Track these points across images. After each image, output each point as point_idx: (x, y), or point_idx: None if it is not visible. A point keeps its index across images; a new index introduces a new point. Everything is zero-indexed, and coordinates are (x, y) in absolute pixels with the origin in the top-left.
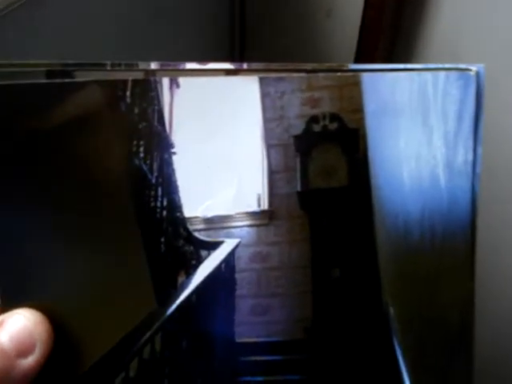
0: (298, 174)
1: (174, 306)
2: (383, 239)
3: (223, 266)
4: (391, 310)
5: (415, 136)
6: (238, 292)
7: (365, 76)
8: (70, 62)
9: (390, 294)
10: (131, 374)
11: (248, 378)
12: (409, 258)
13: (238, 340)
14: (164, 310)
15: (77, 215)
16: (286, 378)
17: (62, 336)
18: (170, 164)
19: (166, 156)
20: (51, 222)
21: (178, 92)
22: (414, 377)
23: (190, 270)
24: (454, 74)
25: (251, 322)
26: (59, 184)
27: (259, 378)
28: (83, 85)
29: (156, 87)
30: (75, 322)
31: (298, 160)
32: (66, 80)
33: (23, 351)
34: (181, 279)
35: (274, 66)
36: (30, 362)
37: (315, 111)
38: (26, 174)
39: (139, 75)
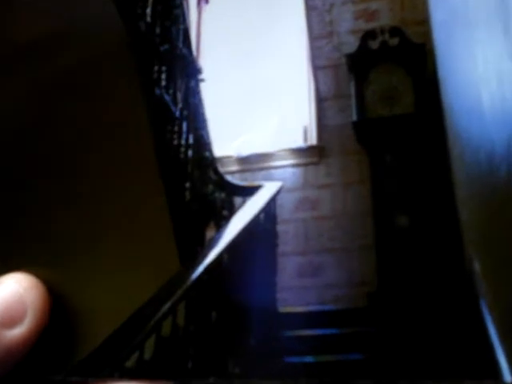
0: (353, 101)
1: (200, 268)
2: (462, 179)
3: (262, 216)
4: (476, 267)
5: (495, 49)
6: (282, 248)
7: None
8: None
9: (473, 247)
10: (146, 355)
11: (294, 359)
12: (495, 200)
13: (281, 310)
14: (188, 273)
15: (88, 153)
16: (344, 357)
17: (64, 304)
18: (197, 93)
19: (193, 84)
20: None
21: (206, 8)
22: (507, 344)
23: (221, 222)
24: None
25: (298, 287)
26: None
27: (309, 359)
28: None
29: (181, 3)
30: (80, 287)
31: (352, 84)
32: None
33: (9, 321)
34: (210, 233)
35: None
36: (16, 333)
37: (372, 25)
38: None
39: None
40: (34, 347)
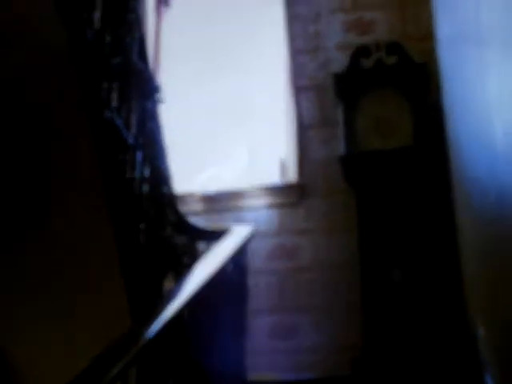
0: (341, 131)
1: (156, 326)
2: (467, 226)
3: (230, 265)
4: (480, 332)
5: (511, 71)
6: (252, 304)
7: None
8: None
9: (478, 309)
10: None
11: None
12: (505, 254)
13: (251, 377)
14: (141, 331)
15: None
16: None
17: (3, 357)
18: (154, 116)
19: (150, 105)
20: None
21: (167, 13)
22: None
23: (182, 271)
24: None
25: (271, 350)
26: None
27: None
28: None
29: (136, 6)
30: (20, 339)
31: (340, 109)
32: None
33: None
34: (168, 285)
35: None
36: None
37: (365, 39)
38: None
39: None
40: None
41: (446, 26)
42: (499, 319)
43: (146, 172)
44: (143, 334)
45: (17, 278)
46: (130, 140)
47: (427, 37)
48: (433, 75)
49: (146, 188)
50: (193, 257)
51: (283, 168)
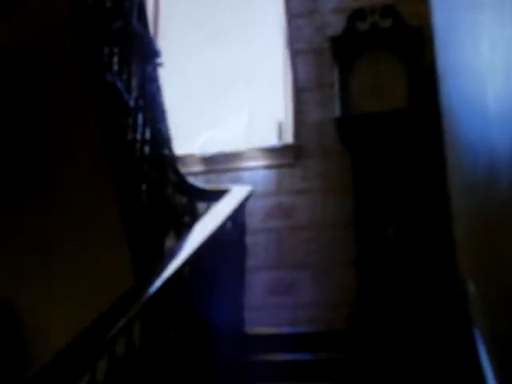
0: (337, 93)
1: (158, 283)
2: (459, 188)
3: (229, 224)
4: (470, 288)
5: (503, 35)
6: (251, 262)
7: None
8: None
9: (468, 266)
10: (99, 376)
11: None
12: (494, 216)
13: (249, 331)
14: (144, 288)
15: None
16: None
17: (14, 319)
18: (154, 80)
19: (150, 69)
20: None
21: None
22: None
23: (182, 230)
24: None
25: (269, 306)
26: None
27: None
28: None
29: None
30: (29, 300)
31: (336, 72)
32: None
33: None
34: (169, 243)
35: None
36: None
37: (361, 3)
38: None
39: None
40: None
41: None
42: (487, 277)
43: (147, 134)
44: (146, 290)
45: (22, 239)
46: (131, 103)
47: (422, 0)
48: (427, 38)
49: (147, 150)
50: (193, 216)
51: (280, 130)
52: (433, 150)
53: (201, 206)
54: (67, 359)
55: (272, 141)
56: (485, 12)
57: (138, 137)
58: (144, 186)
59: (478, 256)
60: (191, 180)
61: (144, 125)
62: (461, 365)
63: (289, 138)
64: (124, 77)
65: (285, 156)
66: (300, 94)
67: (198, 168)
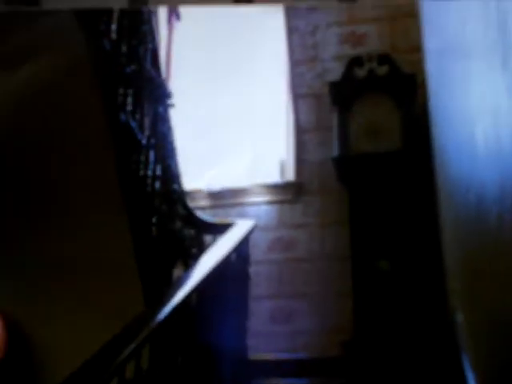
0: (336, 134)
1: (167, 309)
2: (449, 223)
3: (234, 256)
4: (459, 318)
5: (492, 83)
6: (254, 291)
7: (426, 3)
8: None
9: (458, 297)
10: None
11: None
12: (483, 249)
13: (251, 357)
14: (154, 314)
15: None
16: None
17: (24, 340)
18: (165, 120)
19: (161, 109)
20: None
21: (178, 26)
22: None
23: (190, 261)
24: None
25: (270, 333)
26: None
27: None
28: (53, 15)
29: (150, 19)
30: (41, 323)
31: (335, 115)
32: (32, 8)
33: None
34: (177, 272)
35: None
36: None
37: (359, 50)
38: None
39: (126, 3)
40: None
41: (433, 39)
42: (475, 307)
43: (158, 170)
44: (155, 317)
45: (37, 265)
46: (144, 141)
47: (416, 49)
48: (421, 85)
49: (157, 185)
50: (200, 248)
51: (282, 168)
52: (425, 187)
53: (207, 238)
54: (79, 382)
55: (274, 178)
56: (475, 61)
57: (150, 173)
58: (155, 219)
59: (466, 287)
60: (199, 214)
61: (155, 162)
62: None
63: (290, 175)
64: (137, 116)
65: (286, 192)
66: (301, 134)
67: (205, 202)
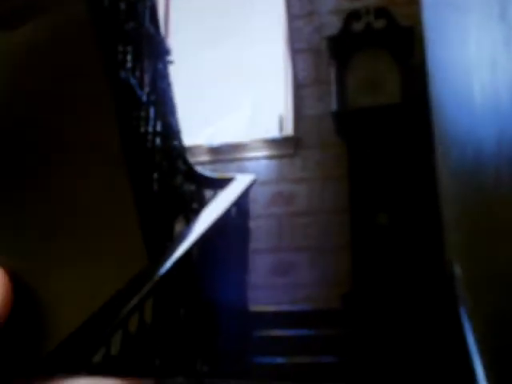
0: (334, 89)
1: (169, 263)
2: (447, 177)
3: (234, 210)
4: (456, 270)
5: (489, 35)
6: (254, 245)
7: None
8: None
9: (455, 250)
10: (113, 350)
11: (265, 360)
12: (480, 202)
13: (252, 308)
14: (156, 268)
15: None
16: (316, 359)
17: (30, 294)
18: (165, 76)
19: (161, 66)
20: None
21: None
22: (484, 351)
23: (191, 216)
24: None
25: (270, 285)
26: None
27: (279, 360)
28: None
29: None
30: (45, 278)
31: (333, 70)
32: None
33: None
34: (179, 227)
35: None
36: None
37: (356, 4)
38: None
39: None
40: None
41: None
42: (473, 259)
43: (158, 127)
44: (157, 270)
45: (44, 223)
46: (144, 98)
47: (413, 1)
48: (418, 37)
49: (158, 141)
50: (201, 203)
51: (281, 122)
52: (423, 141)
53: (208, 193)
54: (85, 334)
55: (273, 133)
56: (472, 13)
57: (150, 129)
58: (156, 175)
59: (464, 240)
60: (199, 169)
61: (155, 118)
62: (448, 340)
63: (289, 130)
64: (137, 74)
65: (285, 147)
66: (299, 89)
67: (205, 158)
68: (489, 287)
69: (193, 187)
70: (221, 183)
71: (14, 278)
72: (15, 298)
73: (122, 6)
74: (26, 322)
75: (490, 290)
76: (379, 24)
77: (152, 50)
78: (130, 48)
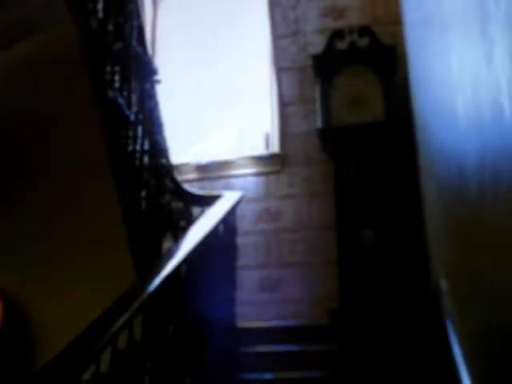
0: (319, 107)
1: (157, 280)
2: (431, 193)
3: (221, 227)
4: (442, 285)
5: (471, 53)
6: (241, 261)
7: None
8: None
9: (441, 264)
10: (102, 367)
11: (253, 375)
12: (464, 218)
13: (240, 325)
14: (145, 285)
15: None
16: (304, 375)
17: (19, 313)
18: (152, 96)
19: (148, 85)
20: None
21: (162, 4)
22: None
23: (179, 233)
24: None
25: (258, 301)
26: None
27: (267, 376)
28: None
29: None
30: (34, 296)
31: (318, 87)
32: None
33: None
34: (167, 244)
35: None
36: None
37: (340, 23)
38: None
39: None
40: None
41: (412, 11)
42: (458, 273)
43: (146, 145)
44: (146, 288)
45: (31, 241)
46: (132, 117)
47: (396, 21)
48: (401, 56)
49: (146, 159)
50: (188, 220)
51: (268, 140)
52: (407, 157)
53: (196, 210)
54: (74, 352)
55: (260, 150)
56: (454, 31)
57: (138, 148)
58: (144, 193)
59: (449, 254)
60: (186, 187)
61: (143, 137)
62: (435, 353)
63: (275, 147)
64: (125, 93)
65: (272, 164)
66: (285, 107)
67: (192, 175)
68: (474, 300)
69: (180, 204)
70: (208, 200)
71: (4, 298)
72: (5, 317)
73: (110, 26)
74: (14, 340)
75: (475, 303)
76: (363, 42)
77: (139, 69)
78: (117, 68)
